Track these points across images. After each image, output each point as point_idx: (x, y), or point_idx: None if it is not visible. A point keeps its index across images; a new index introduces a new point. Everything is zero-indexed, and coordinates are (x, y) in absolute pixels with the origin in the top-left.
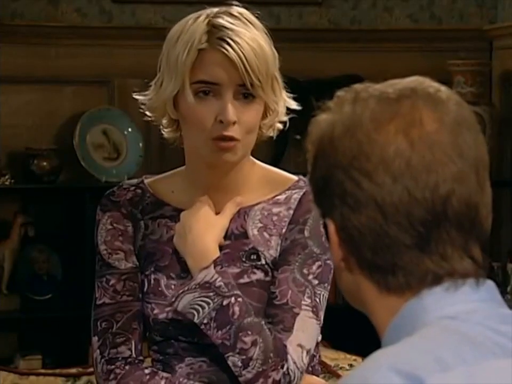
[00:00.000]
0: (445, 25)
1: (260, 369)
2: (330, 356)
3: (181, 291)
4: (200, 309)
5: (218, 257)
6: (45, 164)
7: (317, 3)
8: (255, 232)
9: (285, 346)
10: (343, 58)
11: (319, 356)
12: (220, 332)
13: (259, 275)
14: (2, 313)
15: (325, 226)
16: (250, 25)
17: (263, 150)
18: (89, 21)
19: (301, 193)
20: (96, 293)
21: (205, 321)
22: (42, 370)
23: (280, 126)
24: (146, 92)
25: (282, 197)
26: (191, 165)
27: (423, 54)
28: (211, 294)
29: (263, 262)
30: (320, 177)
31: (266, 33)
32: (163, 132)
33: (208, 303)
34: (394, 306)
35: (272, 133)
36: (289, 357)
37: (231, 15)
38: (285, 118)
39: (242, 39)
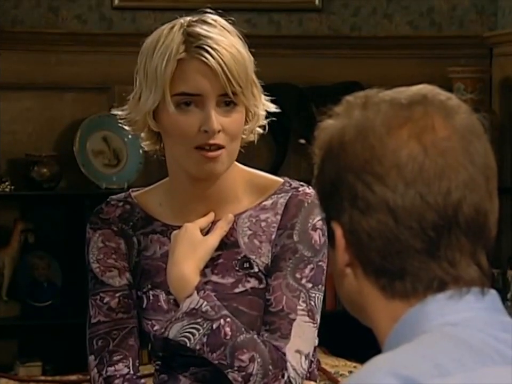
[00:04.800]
0: (445, 32)
1: (262, 383)
2: (330, 363)
3: (168, 321)
4: (190, 336)
5: (199, 282)
6: (45, 170)
7: (317, 10)
8: (246, 240)
9: (284, 354)
10: (343, 65)
11: (317, 361)
12: (214, 354)
13: (253, 283)
14: (2, 320)
15: (330, 230)
16: (225, 31)
17: (263, 155)
18: (90, 28)
19: (287, 198)
20: (91, 311)
21: (198, 347)
22: (42, 377)
23: (260, 130)
24: (124, 107)
25: (268, 202)
26: (174, 177)
27: (423, 60)
28: (199, 320)
29: (256, 269)
30: (328, 181)
31: (241, 38)
32: (142, 145)
33: (198, 329)
34: (397, 312)
35: (253, 138)
36: (288, 364)
37: (206, 22)
38: (265, 122)
39: (220, 46)
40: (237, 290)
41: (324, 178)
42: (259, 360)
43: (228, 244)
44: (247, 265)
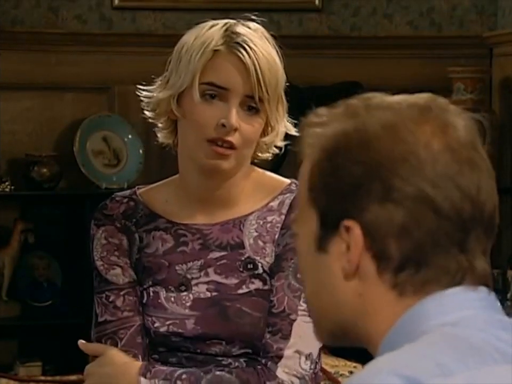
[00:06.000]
0: (445, 32)
1: None
2: (330, 363)
3: None
4: None
5: (141, 366)
6: (45, 170)
7: (317, 10)
8: (251, 241)
9: (266, 370)
10: (343, 65)
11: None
12: None
13: (257, 284)
14: (2, 320)
15: (328, 234)
16: (266, 40)
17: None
18: (90, 28)
19: (292, 198)
20: (97, 309)
21: None
22: (42, 377)
23: (276, 150)
24: (150, 88)
25: (275, 203)
26: (185, 173)
27: (423, 60)
28: None
29: (260, 270)
30: (348, 180)
31: (279, 55)
32: (158, 135)
33: None
34: (406, 308)
35: (268, 156)
36: (277, 373)
37: (249, 27)
38: (282, 144)
39: (258, 48)
40: (240, 291)
41: (339, 178)
42: None
43: (232, 245)
44: (251, 266)
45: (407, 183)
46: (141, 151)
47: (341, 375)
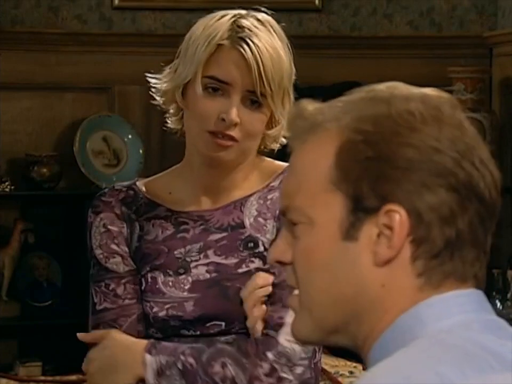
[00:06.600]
0: (445, 32)
1: (247, 377)
2: (330, 363)
3: None
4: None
5: (147, 344)
6: (45, 170)
7: (317, 10)
8: (251, 220)
9: (266, 340)
10: (343, 65)
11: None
12: (194, 380)
13: (257, 263)
14: (2, 320)
15: (361, 218)
16: (273, 34)
17: (264, 154)
18: (90, 28)
19: None
20: (95, 298)
21: None
22: (42, 377)
23: (284, 140)
24: (159, 76)
25: (276, 183)
26: (191, 159)
27: (423, 60)
28: (168, 373)
29: (261, 248)
30: (394, 164)
31: (288, 48)
32: (168, 121)
33: (175, 379)
34: (422, 299)
35: (275, 147)
36: (277, 340)
37: (257, 19)
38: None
39: (262, 43)
40: (240, 270)
41: (385, 161)
42: (229, 361)
43: (233, 225)
44: (252, 245)
45: (459, 168)
46: (141, 151)
47: (341, 375)
